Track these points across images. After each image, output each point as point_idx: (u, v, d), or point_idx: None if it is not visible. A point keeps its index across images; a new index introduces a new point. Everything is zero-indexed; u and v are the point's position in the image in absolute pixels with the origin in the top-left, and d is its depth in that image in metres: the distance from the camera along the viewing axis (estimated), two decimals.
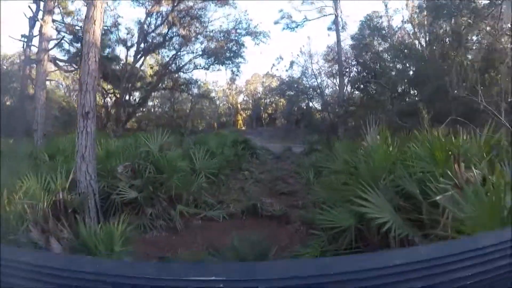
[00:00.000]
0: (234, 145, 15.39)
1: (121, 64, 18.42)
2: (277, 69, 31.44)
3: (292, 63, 29.37)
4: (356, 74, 18.30)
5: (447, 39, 13.88)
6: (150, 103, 28.13)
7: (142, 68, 19.85)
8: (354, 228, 4.40)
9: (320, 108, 30.32)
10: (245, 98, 38.06)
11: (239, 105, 37.22)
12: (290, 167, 15.04)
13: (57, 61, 20.93)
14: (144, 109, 23.22)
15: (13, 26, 28.14)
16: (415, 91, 11.32)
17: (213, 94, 37.29)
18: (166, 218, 6.61)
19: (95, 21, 6.39)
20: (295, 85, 29.70)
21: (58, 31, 20.09)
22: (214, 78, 46.62)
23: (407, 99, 12.05)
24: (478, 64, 10.38)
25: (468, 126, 5.16)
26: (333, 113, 28.86)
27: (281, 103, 33.91)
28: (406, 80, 12.01)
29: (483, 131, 4.37)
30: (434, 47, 15.95)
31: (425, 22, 16.92)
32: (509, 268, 0.98)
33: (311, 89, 29.50)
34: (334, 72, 28.39)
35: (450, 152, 3.86)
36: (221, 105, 37.83)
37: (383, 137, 5.11)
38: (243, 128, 35.63)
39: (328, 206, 4.98)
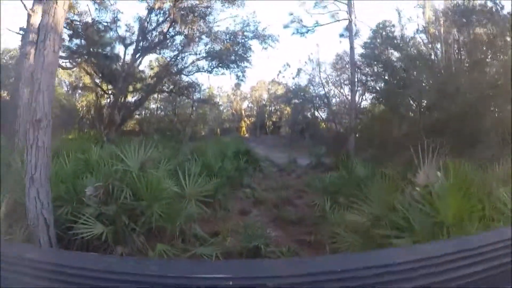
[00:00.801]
0: (236, 157, 13.75)
1: (118, 63, 16.72)
2: (283, 76, 29.80)
3: (299, 70, 27.82)
4: (372, 83, 16.51)
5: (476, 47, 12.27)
6: (153, 106, 26.58)
7: (141, 68, 18.23)
8: None
9: (326, 118, 28.79)
10: (249, 105, 36.43)
11: (243, 112, 35.59)
12: (297, 183, 13.38)
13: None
14: (143, 112, 21.51)
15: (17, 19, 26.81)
16: (444, 105, 9.71)
17: (217, 100, 35.85)
18: None
19: None
20: (302, 93, 28.13)
21: None
22: (219, 83, 45.27)
23: (435, 114, 10.38)
24: None
25: None
26: (340, 124, 27.26)
27: (286, 112, 32.27)
28: (435, 92, 10.35)
29: None
30: (461, 57, 14.38)
31: (441, 31, 15.42)
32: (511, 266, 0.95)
33: (317, 98, 27.95)
34: (343, 80, 26.88)
35: None
36: (225, 111, 36.25)
37: (459, 174, 3.40)
38: (246, 135, 34.02)
39: None
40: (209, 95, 32.91)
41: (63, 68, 20.60)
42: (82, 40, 18.33)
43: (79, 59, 18.71)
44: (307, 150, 26.13)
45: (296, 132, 30.31)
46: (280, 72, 29.79)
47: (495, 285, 0.94)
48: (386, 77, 14.50)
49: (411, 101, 12.26)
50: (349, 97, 16.90)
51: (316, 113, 29.68)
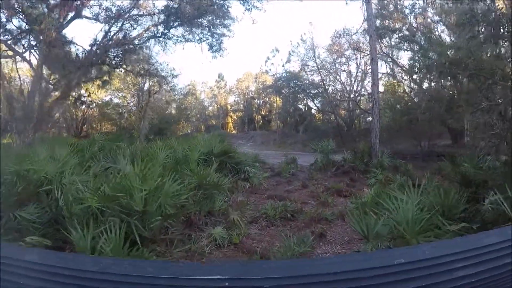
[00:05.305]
0: (207, 160, 8.02)
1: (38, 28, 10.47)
2: (272, 63, 23.97)
3: (290, 54, 22.14)
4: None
5: None
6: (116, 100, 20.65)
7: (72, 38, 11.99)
8: None
9: (323, 108, 23.24)
10: (236, 99, 30.62)
11: (229, 106, 29.84)
12: (304, 197, 7.71)
13: None
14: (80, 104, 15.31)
15: None
16: None
17: (202, 96, 30.20)
18: None
19: None
20: (294, 80, 22.47)
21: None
22: (203, 78, 39.77)
23: None
24: None
25: None
26: (339, 115, 21.75)
27: (276, 104, 26.47)
28: None
29: None
30: None
31: None
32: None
33: (311, 86, 22.45)
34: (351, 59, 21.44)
35: None
36: (210, 107, 30.59)
37: None
38: (233, 131, 28.34)
39: None
40: (189, 90, 27.20)
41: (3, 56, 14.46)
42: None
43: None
44: (302, 146, 20.89)
45: (289, 125, 24.68)
46: (268, 58, 23.97)
47: (495, 286, 0.85)
48: None
49: None
50: (372, 73, 10.75)
51: (311, 104, 24.20)
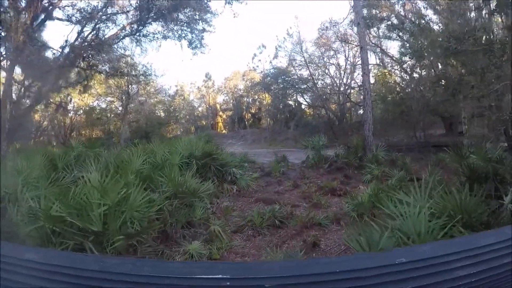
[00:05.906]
0: (189, 164, 7.37)
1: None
2: (259, 60, 23.30)
3: (277, 49, 21.53)
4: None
5: None
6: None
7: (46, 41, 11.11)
8: None
9: (313, 103, 22.68)
10: (225, 98, 29.88)
11: (218, 106, 29.12)
12: (295, 198, 7.11)
13: None
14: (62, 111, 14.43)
15: None
16: None
17: (190, 96, 29.45)
18: None
19: None
20: (282, 77, 21.85)
21: None
22: (192, 79, 39.07)
23: None
24: None
25: None
26: (330, 109, 21.21)
27: (266, 101, 25.80)
28: None
29: None
30: None
31: None
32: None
33: (300, 81, 21.86)
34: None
35: None
36: (200, 108, 29.84)
37: None
38: (224, 131, 27.65)
39: None
40: (177, 91, 26.46)
41: None
42: None
43: None
44: (293, 142, 20.33)
45: (279, 122, 24.05)
46: (255, 55, 23.29)
47: (494, 286, 0.84)
48: None
49: None
50: (362, 59, 10.14)
51: (301, 99, 23.60)
